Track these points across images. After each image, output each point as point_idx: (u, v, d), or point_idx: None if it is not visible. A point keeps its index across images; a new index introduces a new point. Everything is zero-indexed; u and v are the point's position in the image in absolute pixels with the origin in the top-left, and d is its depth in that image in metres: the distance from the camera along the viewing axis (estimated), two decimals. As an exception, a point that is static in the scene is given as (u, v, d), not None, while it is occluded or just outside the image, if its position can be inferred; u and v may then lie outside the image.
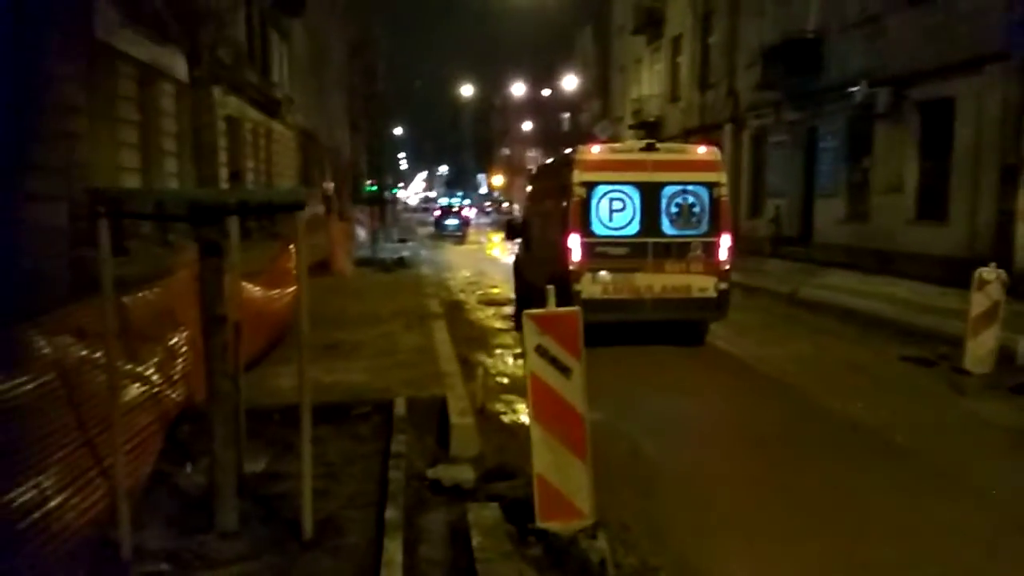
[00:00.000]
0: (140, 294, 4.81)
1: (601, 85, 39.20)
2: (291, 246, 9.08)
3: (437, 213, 44.80)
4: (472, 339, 9.95)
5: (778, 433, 6.10)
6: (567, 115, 71.50)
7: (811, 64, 17.96)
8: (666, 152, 9.71)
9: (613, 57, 37.19)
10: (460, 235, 37.53)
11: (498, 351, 9.35)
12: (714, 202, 9.25)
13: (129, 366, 4.27)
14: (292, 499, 3.89)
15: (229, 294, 4.08)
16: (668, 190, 9.18)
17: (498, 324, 11.34)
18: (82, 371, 3.71)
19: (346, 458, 4.76)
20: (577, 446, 3.66)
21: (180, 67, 16.21)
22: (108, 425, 3.50)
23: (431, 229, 41.97)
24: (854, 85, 16.02)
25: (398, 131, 67.24)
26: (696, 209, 9.22)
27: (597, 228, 9.11)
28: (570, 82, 54.40)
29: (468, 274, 19.00)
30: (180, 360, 4.92)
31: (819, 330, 10.66)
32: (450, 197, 61.21)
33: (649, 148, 9.53)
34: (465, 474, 4.65)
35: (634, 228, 9.14)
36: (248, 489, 4.13)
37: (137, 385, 4.24)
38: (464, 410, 5.52)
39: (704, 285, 9.20)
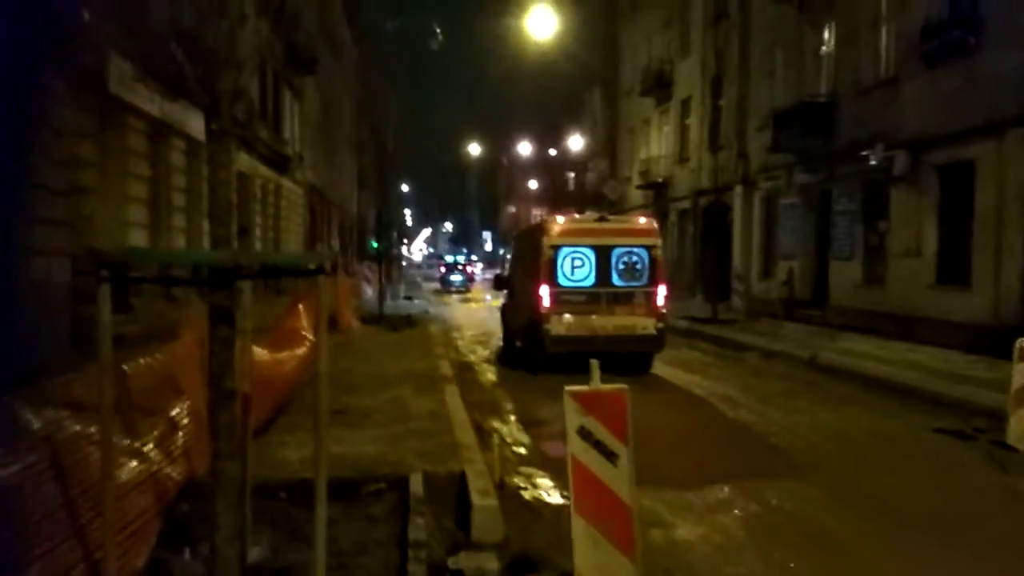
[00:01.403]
0: (141, 360, 4.46)
1: (609, 145, 39.45)
2: (300, 305, 8.78)
3: (443, 270, 44.91)
4: (485, 403, 9.55)
5: (810, 515, 5.65)
6: (572, 175, 72.09)
7: (824, 127, 17.92)
8: (615, 223, 12.43)
9: (621, 118, 37.50)
10: (465, 290, 38.38)
11: (512, 417, 8.95)
12: (652, 260, 11.72)
13: (127, 442, 3.90)
14: (301, 596, 3.49)
15: (239, 365, 3.75)
16: (617, 251, 11.60)
17: (513, 388, 10.94)
18: (75, 449, 3.35)
19: (359, 545, 4.34)
20: (625, 542, 3.26)
21: (192, 123, 16.20)
22: (101, 512, 3.12)
23: (436, 285, 42.03)
24: (869, 148, 15.91)
25: (404, 188, 67.70)
26: (639, 266, 11.64)
27: (562, 280, 11.47)
28: (576, 142, 54.98)
29: (475, 333, 18.64)
30: (182, 433, 4.55)
31: (844, 399, 10.24)
32: (455, 255, 61.71)
33: (602, 219, 12.32)
34: (489, 563, 4.24)
35: (591, 281, 11.52)
36: (252, 582, 3.72)
37: (135, 463, 3.87)
38: (486, 489, 5.11)
39: (646, 324, 11.63)
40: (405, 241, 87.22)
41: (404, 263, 62.23)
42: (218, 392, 3.26)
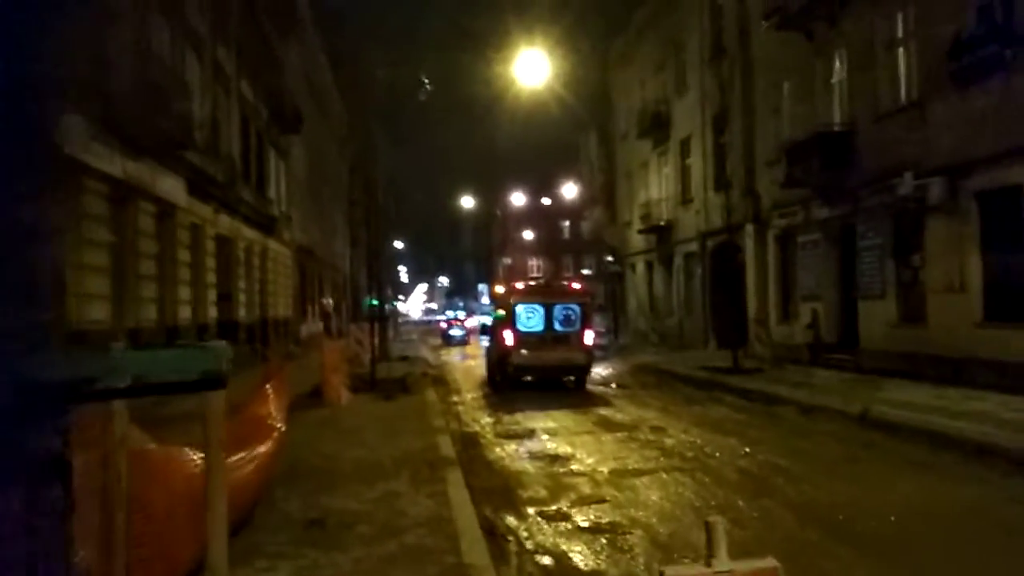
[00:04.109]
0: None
1: (606, 191, 38.45)
2: (268, 385, 7.35)
3: (443, 326, 45.66)
4: (495, 492, 8.04)
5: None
6: (567, 223, 71.16)
7: (843, 158, 16.76)
8: (557, 287, 17.96)
9: (618, 162, 36.57)
10: (464, 343, 38.80)
11: (530, 509, 7.42)
12: (583, 313, 16.70)
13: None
14: None
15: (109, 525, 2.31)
16: (558, 307, 16.61)
17: (527, 466, 9.43)
18: None
19: None
20: None
21: (162, 183, 14.96)
22: None
23: (435, 341, 41.37)
24: (896, 177, 14.70)
25: (398, 244, 66.60)
26: (573, 317, 16.58)
27: (520, 326, 16.45)
28: (571, 190, 54.20)
29: (477, 395, 17.11)
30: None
31: (916, 465, 8.74)
32: (455, 309, 61.58)
33: (548, 285, 18.36)
34: None
35: (540, 327, 16.49)
36: None
37: None
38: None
39: (578, 357, 16.56)
40: (401, 298, 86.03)
41: (400, 320, 61.06)
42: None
